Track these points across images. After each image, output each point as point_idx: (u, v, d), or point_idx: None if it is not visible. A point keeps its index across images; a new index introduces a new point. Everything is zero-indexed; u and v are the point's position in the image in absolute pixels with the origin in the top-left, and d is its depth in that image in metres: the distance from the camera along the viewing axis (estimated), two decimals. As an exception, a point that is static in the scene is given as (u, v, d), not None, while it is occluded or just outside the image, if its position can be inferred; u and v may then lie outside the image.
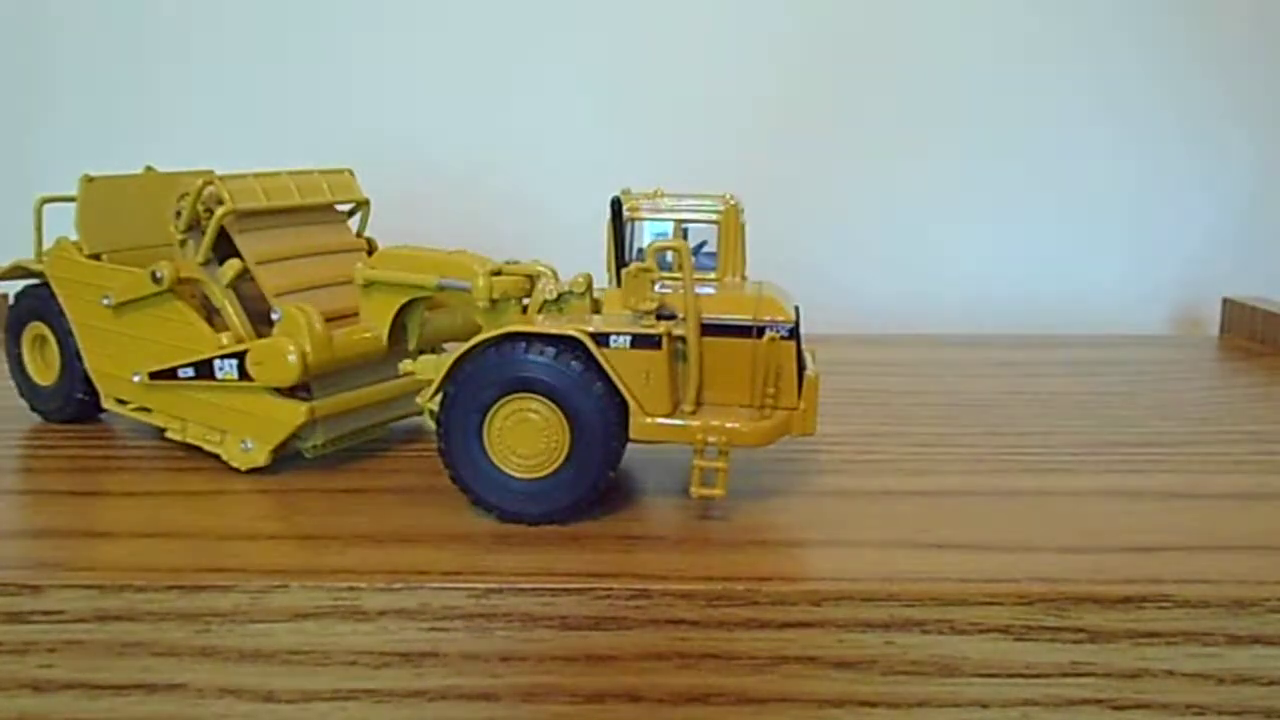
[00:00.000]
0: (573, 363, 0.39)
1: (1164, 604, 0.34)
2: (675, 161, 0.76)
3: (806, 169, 0.79)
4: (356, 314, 0.46)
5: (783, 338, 0.40)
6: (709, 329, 0.40)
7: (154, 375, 0.48)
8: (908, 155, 0.80)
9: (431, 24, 0.78)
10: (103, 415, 0.53)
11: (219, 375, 0.45)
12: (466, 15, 0.78)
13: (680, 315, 0.40)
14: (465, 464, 0.40)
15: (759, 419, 0.40)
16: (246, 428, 0.45)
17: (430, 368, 0.42)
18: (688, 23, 0.78)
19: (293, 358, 0.43)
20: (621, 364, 0.39)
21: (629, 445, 0.40)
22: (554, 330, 0.39)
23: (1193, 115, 0.80)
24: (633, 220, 0.42)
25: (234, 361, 0.45)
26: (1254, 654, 0.35)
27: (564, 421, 0.39)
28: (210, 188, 0.46)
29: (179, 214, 0.47)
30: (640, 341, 0.39)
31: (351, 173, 0.53)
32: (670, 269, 0.40)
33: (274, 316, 0.45)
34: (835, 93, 0.79)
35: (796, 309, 0.41)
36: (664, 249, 0.40)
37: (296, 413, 0.44)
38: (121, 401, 0.50)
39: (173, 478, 0.45)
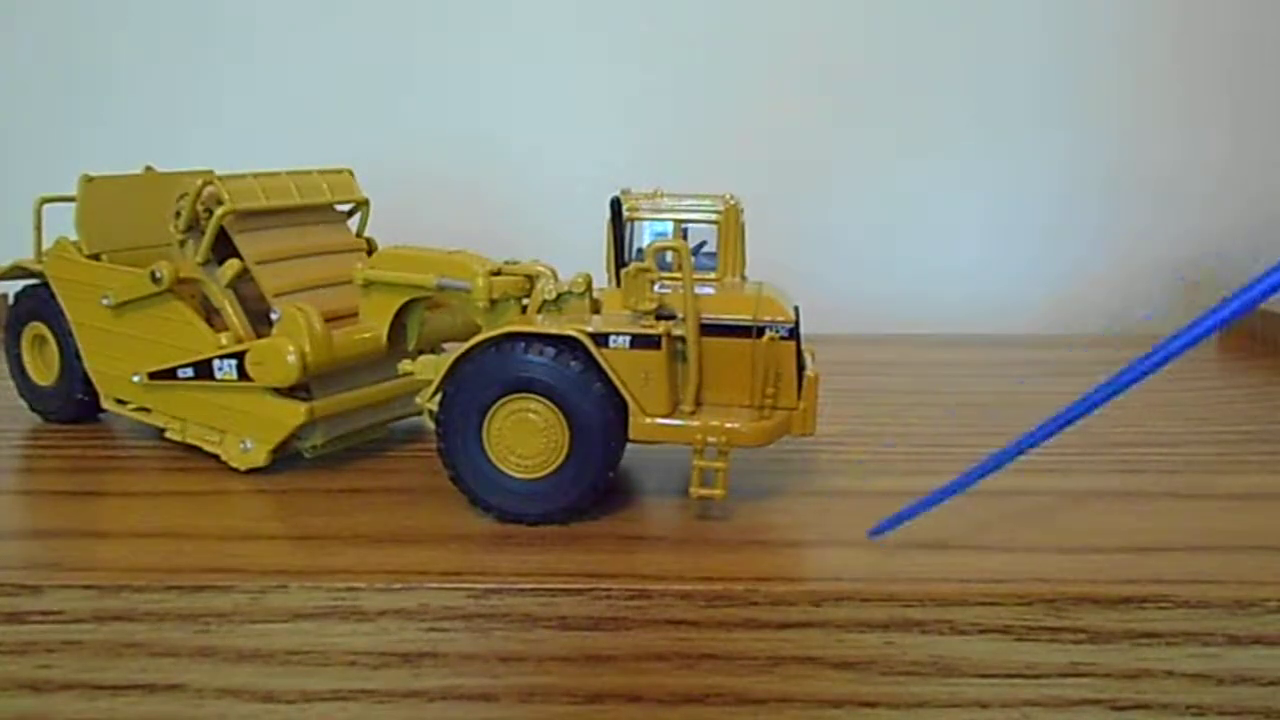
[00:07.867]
0: (572, 363, 0.39)
1: (1164, 604, 0.34)
2: (675, 161, 0.76)
3: (806, 168, 0.79)
4: (356, 314, 0.46)
5: (782, 338, 0.40)
6: (709, 329, 0.40)
7: (154, 375, 0.48)
8: (907, 155, 0.80)
9: (431, 24, 0.78)
10: (103, 415, 0.53)
11: (218, 375, 0.45)
12: (466, 15, 0.78)
13: (680, 315, 0.40)
14: (465, 464, 0.40)
15: (759, 419, 0.40)
16: (246, 428, 0.45)
17: (430, 368, 0.42)
18: (688, 23, 0.78)
19: (292, 358, 0.43)
20: (621, 364, 0.39)
21: (629, 445, 0.40)
22: (554, 330, 0.39)
23: (1193, 115, 0.79)
24: (633, 220, 0.42)
25: (233, 361, 0.45)
26: (1254, 654, 0.34)
27: (563, 422, 0.39)
28: (210, 188, 0.46)
29: (179, 214, 0.47)
30: (640, 342, 0.39)
31: (351, 173, 0.53)
32: (670, 269, 0.40)
33: (273, 316, 0.45)
34: (835, 92, 0.79)
35: (796, 309, 0.41)
36: (664, 249, 0.40)
37: (296, 413, 0.44)
38: (121, 401, 0.50)
39: (173, 478, 0.45)
